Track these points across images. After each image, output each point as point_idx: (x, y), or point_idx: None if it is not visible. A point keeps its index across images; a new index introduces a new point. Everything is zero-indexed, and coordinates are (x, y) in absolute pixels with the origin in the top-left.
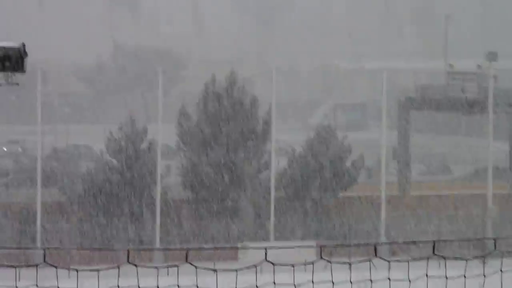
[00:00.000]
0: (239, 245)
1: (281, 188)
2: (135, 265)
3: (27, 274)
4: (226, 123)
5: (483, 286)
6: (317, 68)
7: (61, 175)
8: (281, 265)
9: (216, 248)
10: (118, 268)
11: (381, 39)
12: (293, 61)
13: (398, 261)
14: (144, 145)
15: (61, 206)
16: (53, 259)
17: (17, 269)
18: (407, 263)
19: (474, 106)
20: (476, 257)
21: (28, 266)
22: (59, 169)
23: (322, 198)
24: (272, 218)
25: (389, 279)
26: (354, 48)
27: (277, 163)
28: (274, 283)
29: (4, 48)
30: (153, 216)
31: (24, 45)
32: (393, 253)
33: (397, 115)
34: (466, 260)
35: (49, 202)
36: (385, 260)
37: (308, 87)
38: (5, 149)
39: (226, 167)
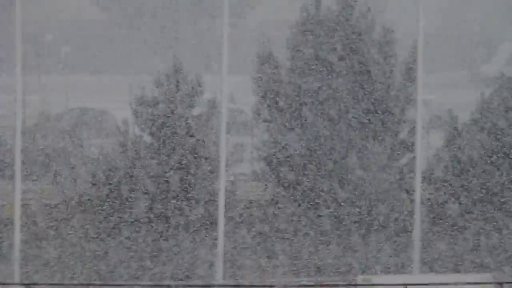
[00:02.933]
0: (360, 279)
1: (433, 183)
2: None
3: None
4: (340, 71)
5: None
6: None
7: (56, 162)
8: None
9: (324, 285)
10: None
11: None
12: None
13: None
14: (198, 111)
15: (56, 213)
16: None
17: None
18: None
19: None
20: None
21: None
22: (54, 150)
23: (504, 200)
24: (418, 234)
25: None
26: None
27: (425, 140)
28: None
29: None
30: (210, 229)
31: None
32: None
33: None
34: None
35: (36, 207)
36: None
37: (478, 9)
38: None
39: (336, 147)
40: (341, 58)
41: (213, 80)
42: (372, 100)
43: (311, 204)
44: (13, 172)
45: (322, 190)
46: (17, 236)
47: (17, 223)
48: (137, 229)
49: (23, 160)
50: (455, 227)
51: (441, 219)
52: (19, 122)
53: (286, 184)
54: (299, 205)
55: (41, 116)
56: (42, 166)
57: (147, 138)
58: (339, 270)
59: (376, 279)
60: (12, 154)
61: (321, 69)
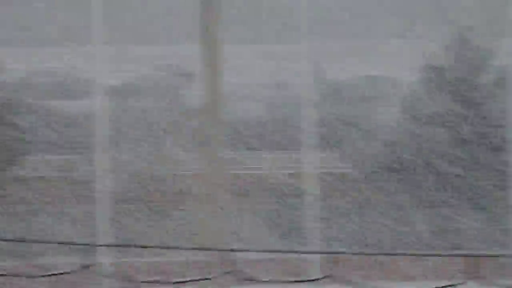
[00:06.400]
0: None
1: None
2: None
3: None
4: None
5: None
6: None
7: (347, 131)
8: None
9: None
10: None
11: None
12: None
13: None
14: (486, 78)
15: (343, 183)
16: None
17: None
18: None
19: None
20: None
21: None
22: (344, 119)
23: None
24: None
25: None
26: None
27: None
28: None
29: None
30: (501, 201)
31: None
32: None
33: None
34: None
35: (327, 176)
36: None
37: None
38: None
39: None
40: None
41: (506, 45)
42: None
43: None
44: (302, 141)
45: None
46: (308, 205)
47: (308, 192)
48: (426, 197)
49: (314, 130)
50: None
51: None
52: (309, 91)
53: None
54: None
55: (329, 85)
56: (333, 135)
57: (435, 106)
58: None
59: None
60: (302, 123)
61: None
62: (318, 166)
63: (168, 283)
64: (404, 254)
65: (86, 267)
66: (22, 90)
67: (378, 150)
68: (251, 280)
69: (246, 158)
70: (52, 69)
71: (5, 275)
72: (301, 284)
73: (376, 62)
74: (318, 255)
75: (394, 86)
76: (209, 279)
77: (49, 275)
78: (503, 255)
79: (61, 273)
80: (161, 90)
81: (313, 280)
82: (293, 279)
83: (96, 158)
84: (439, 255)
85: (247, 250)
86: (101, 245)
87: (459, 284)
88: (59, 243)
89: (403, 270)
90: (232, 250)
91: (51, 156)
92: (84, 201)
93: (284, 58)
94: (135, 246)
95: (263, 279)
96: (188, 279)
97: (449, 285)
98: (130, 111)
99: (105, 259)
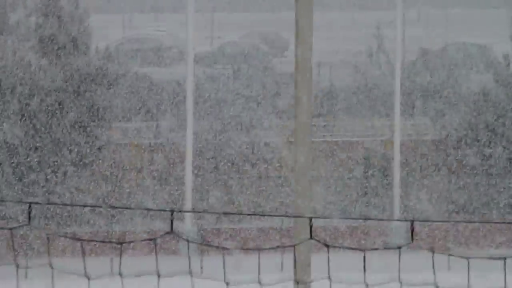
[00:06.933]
0: None
1: None
2: None
3: None
4: None
5: None
6: None
7: (435, 98)
8: None
9: None
10: None
11: None
12: None
13: None
14: None
15: (433, 150)
16: None
17: None
18: None
19: None
20: None
21: None
22: (433, 86)
23: None
24: None
25: None
26: None
27: None
28: None
29: None
30: None
31: None
32: None
33: None
34: None
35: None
36: None
37: None
38: None
39: None
40: None
41: None
42: None
43: None
44: (391, 108)
45: None
46: (397, 173)
47: (397, 160)
48: None
49: (404, 97)
50: None
51: None
52: (399, 58)
53: None
54: None
55: (420, 52)
56: (422, 102)
57: None
58: None
59: None
60: (392, 90)
61: None
62: (408, 133)
63: (249, 249)
64: (493, 222)
65: (169, 233)
66: (116, 56)
67: (468, 117)
68: (332, 247)
69: (337, 125)
70: (145, 36)
71: (92, 240)
72: (384, 251)
73: (467, 30)
74: (402, 223)
75: (485, 54)
76: (290, 246)
77: (133, 242)
78: None
79: (146, 239)
80: (252, 57)
81: (395, 248)
82: (375, 246)
83: (186, 124)
84: None
85: (329, 217)
86: (182, 211)
87: None
88: (141, 209)
89: (488, 237)
90: (313, 217)
91: (141, 122)
92: (171, 167)
93: (376, 25)
94: (216, 213)
95: (344, 246)
96: (268, 246)
97: None
98: (221, 77)
99: (187, 225)
